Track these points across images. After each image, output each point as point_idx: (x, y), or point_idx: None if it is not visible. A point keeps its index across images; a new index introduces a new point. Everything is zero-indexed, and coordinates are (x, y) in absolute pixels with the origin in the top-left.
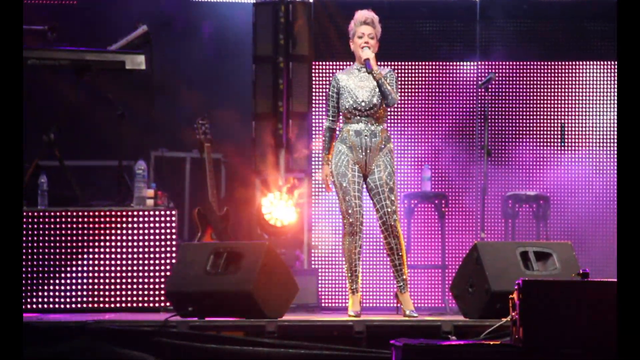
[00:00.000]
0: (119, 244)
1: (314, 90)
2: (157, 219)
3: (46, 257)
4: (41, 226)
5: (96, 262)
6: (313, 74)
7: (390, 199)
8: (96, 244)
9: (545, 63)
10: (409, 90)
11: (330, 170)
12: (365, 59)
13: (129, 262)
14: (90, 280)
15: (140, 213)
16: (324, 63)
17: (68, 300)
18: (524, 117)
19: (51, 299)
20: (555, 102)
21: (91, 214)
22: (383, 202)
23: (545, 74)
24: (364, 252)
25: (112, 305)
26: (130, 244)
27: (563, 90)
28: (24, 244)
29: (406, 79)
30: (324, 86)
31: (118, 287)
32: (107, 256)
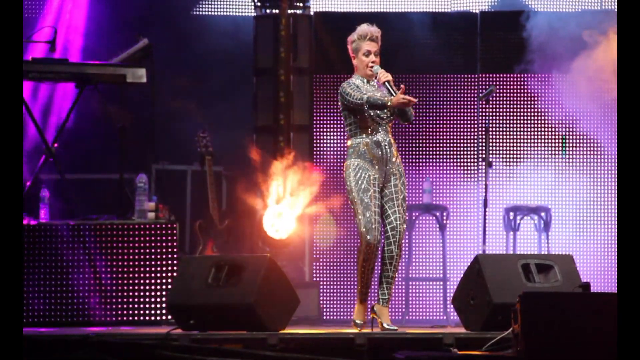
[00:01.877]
0: (120, 257)
1: (315, 102)
2: (158, 232)
3: (47, 270)
4: (42, 239)
5: (97, 275)
6: (314, 87)
7: (403, 207)
8: (97, 257)
9: (546, 75)
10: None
11: (347, 188)
12: (386, 81)
13: (130, 275)
14: (92, 294)
15: (142, 226)
16: (324, 76)
17: (69, 313)
18: (525, 128)
19: (52, 312)
20: (556, 113)
21: (92, 227)
22: (396, 208)
23: (546, 86)
24: None
25: (114, 319)
26: (131, 257)
27: (563, 102)
28: (24, 257)
29: (407, 91)
30: (325, 99)
31: (119, 300)
32: (109, 269)
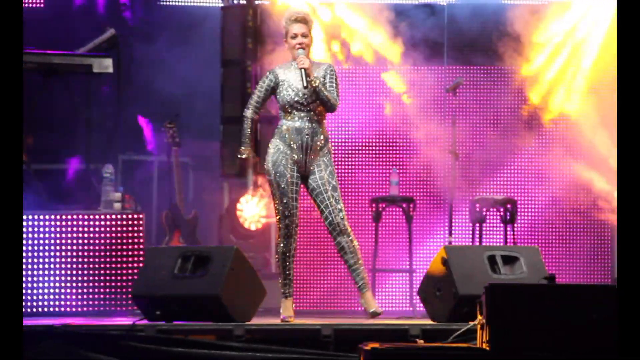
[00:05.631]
0: (85, 247)
1: None
2: (124, 222)
3: None
4: None
5: (63, 265)
6: None
7: (334, 197)
8: (63, 247)
9: (512, 67)
10: (377, 94)
11: (266, 168)
12: (301, 68)
13: (96, 265)
14: (57, 284)
15: (108, 217)
16: None
17: (34, 304)
18: (492, 120)
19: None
20: (524, 104)
21: (58, 217)
22: (327, 202)
23: (513, 78)
24: (329, 255)
25: (79, 309)
26: (97, 247)
27: (530, 92)
28: None
29: (375, 82)
30: None
31: (85, 290)
32: (74, 260)
